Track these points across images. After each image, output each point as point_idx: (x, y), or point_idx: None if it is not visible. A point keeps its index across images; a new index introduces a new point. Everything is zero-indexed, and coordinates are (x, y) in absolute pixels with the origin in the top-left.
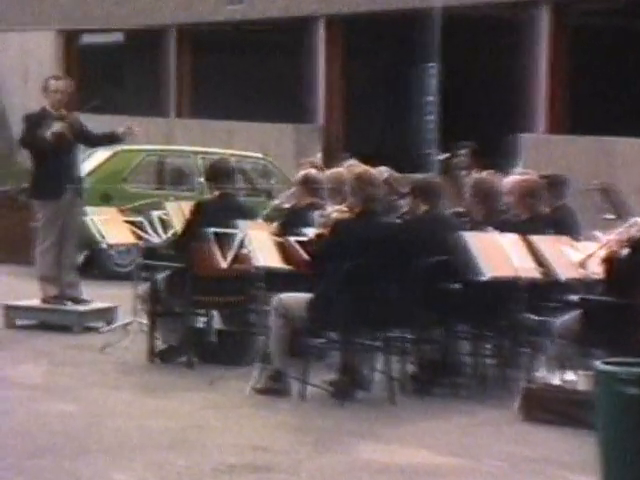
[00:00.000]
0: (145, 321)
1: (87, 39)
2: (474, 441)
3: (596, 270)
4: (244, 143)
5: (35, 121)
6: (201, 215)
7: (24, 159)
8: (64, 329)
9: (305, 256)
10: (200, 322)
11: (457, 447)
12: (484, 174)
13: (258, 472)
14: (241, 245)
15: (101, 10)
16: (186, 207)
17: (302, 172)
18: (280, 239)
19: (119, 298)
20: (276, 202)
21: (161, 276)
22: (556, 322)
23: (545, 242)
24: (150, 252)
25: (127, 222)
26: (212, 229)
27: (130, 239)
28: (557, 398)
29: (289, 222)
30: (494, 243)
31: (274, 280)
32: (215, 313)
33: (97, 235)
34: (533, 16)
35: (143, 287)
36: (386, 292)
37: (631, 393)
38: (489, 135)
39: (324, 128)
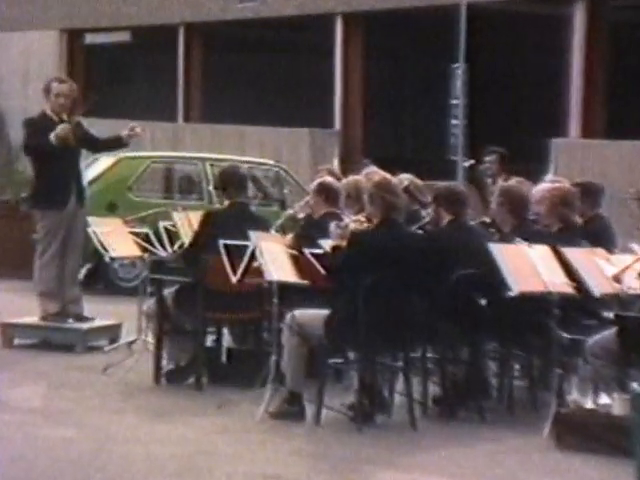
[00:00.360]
0: (151, 339)
1: (91, 38)
2: (502, 470)
3: (633, 285)
4: (256, 149)
5: (36, 126)
6: (210, 226)
7: (24, 166)
8: (65, 348)
9: (321, 270)
10: (209, 340)
11: (483, 476)
12: (513, 181)
13: None
14: (252, 258)
15: (106, 8)
16: (195, 217)
17: (318, 180)
18: (294, 251)
19: (123, 315)
20: (290, 212)
21: (168, 291)
22: (590, 341)
23: (578, 254)
24: (156, 265)
25: (132, 233)
26: (222, 241)
27: (135, 252)
28: (591, 423)
29: (304, 233)
30: (523, 256)
31: (288, 295)
32: (225, 331)
33: (100, 248)
34: (567, 12)
35: (149, 303)
36: (408, 308)
37: None
38: (518, 140)
39: (342, 133)
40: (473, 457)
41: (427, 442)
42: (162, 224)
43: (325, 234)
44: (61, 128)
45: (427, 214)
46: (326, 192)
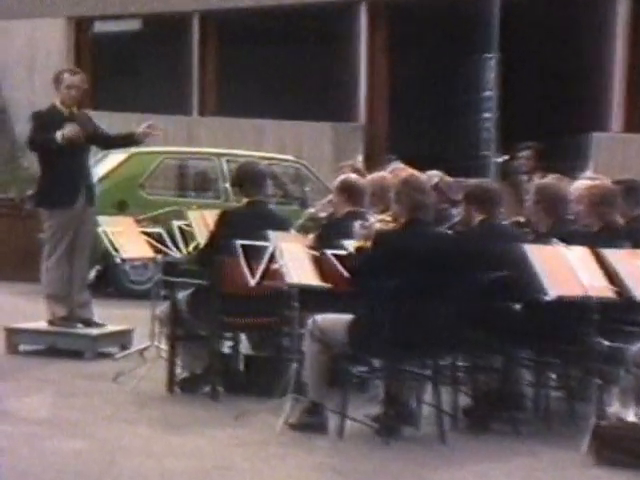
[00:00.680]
0: (164, 346)
1: (100, 27)
2: None
3: None
4: (275, 144)
5: (44, 120)
6: (227, 226)
7: (30, 163)
8: (74, 355)
9: (344, 272)
10: (226, 347)
11: None
12: (549, 179)
13: None
14: (271, 259)
15: None
16: (210, 216)
17: (341, 177)
18: (316, 253)
19: (135, 320)
20: (311, 211)
21: (182, 295)
22: (631, 349)
23: (619, 257)
24: (170, 267)
25: (144, 233)
26: (239, 241)
27: (147, 253)
28: (632, 437)
29: (326, 233)
30: (560, 257)
31: (309, 299)
32: (243, 337)
33: (110, 248)
34: None
35: (162, 307)
36: (437, 313)
37: None
38: (555, 134)
39: (366, 127)
40: (506, 473)
41: (457, 457)
42: (176, 223)
43: (348, 234)
44: (69, 129)
45: (457, 213)
46: (349, 190)
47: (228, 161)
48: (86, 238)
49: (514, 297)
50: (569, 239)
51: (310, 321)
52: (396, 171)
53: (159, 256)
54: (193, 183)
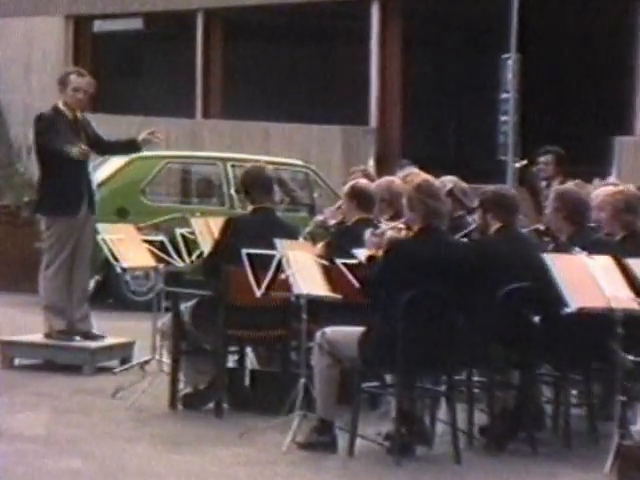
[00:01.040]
0: (166, 360)
1: (100, 26)
2: None
3: None
4: (283, 148)
5: (48, 123)
6: (232, 234)
7: (26, 168)
8: (72, 369)
9: (355, 282)
10: (231, 361)
11: None
12: (570, 184)
13: None
14: (279, 269)
15: None
16: (215, 224)
17: (351, 182)
18: (325, 262)
19: (136, 332)
20: (320, 218)
21: (185, 306)
22: None
23: None
24: (173, 277)
25: (145, 242)
26: (245, 250)
27: (149, 262)
28: None
29: (336, 242)
30: (582, 267)
31: (318, 311)
32: (249, 350)
33: (110, 257)
34: None
35: (164, 319)
36: (451, 326)
37: None
38: (577, 138)
39: (378, 130)
40: None
41: (473, 477)
42: (179, 231)
43: (359, 243)
44: (80, 152)
45: (473, 221)
46: (360, 196)
47: (233, 166)
48: (87, 248)
49: (533, 309)
50: (591, 248)
51: (319, 334)
52: (409, 176)
53: (161, 265)
54: (197, 189)
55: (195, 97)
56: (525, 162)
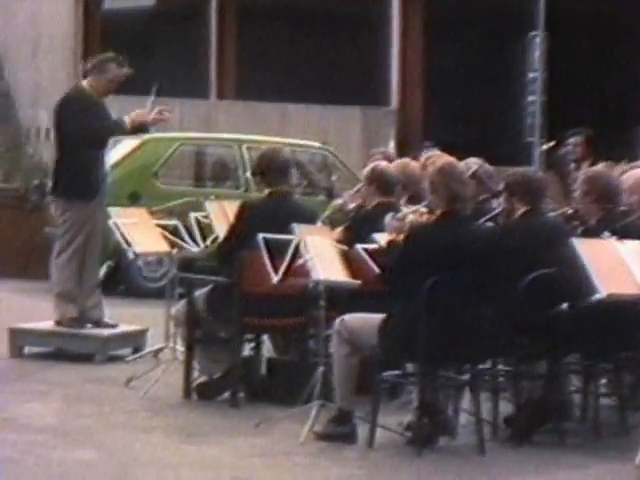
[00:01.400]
0: (180, 348)
1: (110, 4)
2: None
3: None
4: (300, 130)
5: (78, 106)
6: (248, 218)
7: (36, 150)
8: (83, 358)
9: (375, 268)
10: (247, 350)
11: None
12: (599, 167)
13: None
14: (296, 254)
15: None
16: (230, 208)
17: (371, 165)
18: (344, 247)
19: (149, 320)
20: (339, 202)
21: (200, 293)
22: None
23: None
24: (186, 263)
25: (158, 226)
26: (262, 235)
27: (162, 247)
28: None
29: (355, 226)
30: (612, 252)
31: (337, 298)
32: (266, 339)
33: (122, 242)
34: None
35: (178, 306)
36: (475, 314)
37: None
38: (607, 120)
39: (399, 111)
40: None
41: (497, 469)
42: (193, 215)
43: (379, 227)
44: (139, 114)
45: (498, 205)
46: (380, 179)
47: (249, 148)
48: (100, 235)
49: (561, 296)
50: (622, 232)
51: (338, 321)
52: (431, 159)
53: (175, 251)
54: (211, 172)
55: (209, 77)
56: (552, 144)
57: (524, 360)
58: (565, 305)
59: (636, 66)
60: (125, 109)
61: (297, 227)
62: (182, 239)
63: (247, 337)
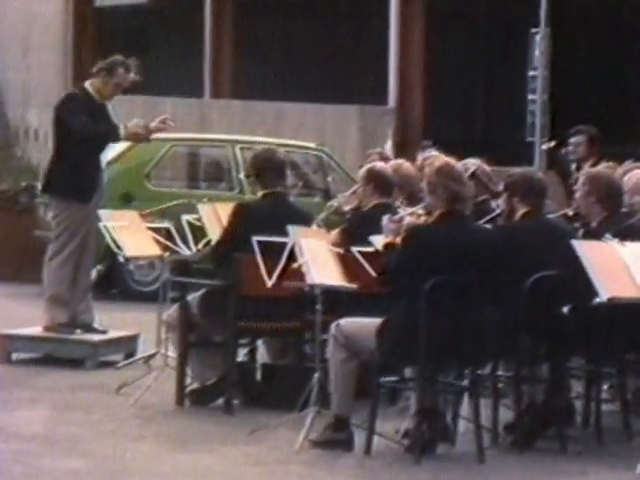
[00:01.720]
0: (173, 353)
1: (102, 0)
2: None
3: None
4: (296, 130)
5: (81, 106)
6: (242, 220)
7: (25, 151)
8: (73, 364)
9: (372, 271)
10: (241, 355)
11: None
12: (602, 167)
13: None
14: (291, 257)
15: None
16: (223, 210)
17: (367, 166)
18: (341, 250)
19: (140, 325)
20: (335, 203)
21: (193, 296)
22: None
23: None
24: (179, 266)
25: (150, 229)
26: (256, 237)
27: (154, 250)
28: None
29: (352, 228)
30: (614, 254)
31: (334, 302)
32: (261, 343)
33: (113, 246)
34: None
35: (170, 310)
36: (475, 317)
37: None
38: (612, 118)
39: (397, 110)
40: None
41: (497, 477)
42: (185, 218)
43: (376, 229)
44: (135, 124)
45: (498, 205)
46: (376, 180)
47: (243, 149)
48: (94, 236)
49: (562, 299)
50: (624, 234)
51: (334, 325)
52: (429, 159)
53: (167, 254)
54: (204, 173)
55: (203, 75)
56: (554, 143)
57: (525, 364)
58: (567, 308)
59: (638, 63)
60: (116, 108)
61: (292, 229)
62: (174, 242)
63: (242, 342)
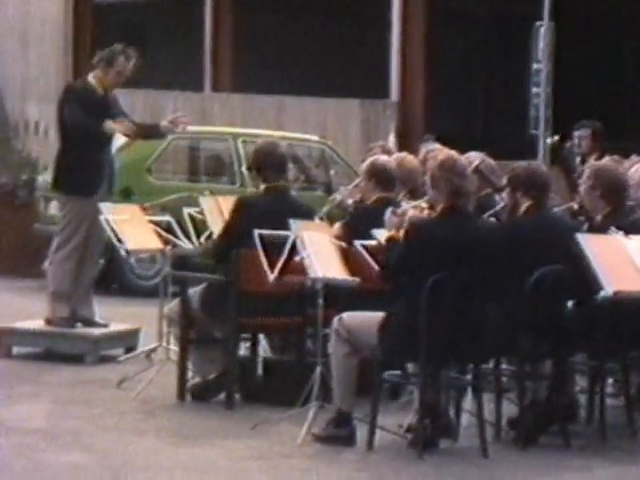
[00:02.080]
0: (174, 348)
1: None
2: None
3: None
4: (297, 123)
5: (81, 98)
6: (244, 214)
7: (24, 145)
8: (74, 359)
9: (374, 265)
10: (243, 350)
11: None
12: (606, 161)
13: None
14: (293, 251)
15: None
16: (225, 204)
17: (370, 159)
18: (343, 244)
19: (141, 319)
20: (337, 197)
21: (194, 291)
22: None
23: None
24: (180, 261)
25: (151, 222)
26: (258, 231)
27: (155, 244)
28: None
29: (354, 222)
30: (619, 249)
31: (335, 296)
32: (262, 338)
33: (113, 239)
34: None
35: (171, 305)
36: (478, 312)
37: None
38: (617, 112)
39: (399, 104)
40: None
41: (501, 472)
42: (187, 211)
43: (378, 223)
44: (122, 127)
45: (501, 200)
46: (379, 174)
47: (245, 142)
48: (101, 233)
49: (566, 294)
50: (629, 228)
51: (336, 320)
52: (431, 153)
53: (168, 248)
54: (206, 167)
55: (204, 69)
56: (558, 137)
57: (528, 360)
58: (571, 303)
59: None
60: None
61: (294, 223)
62: (175, 236)
63: (243, 337)
